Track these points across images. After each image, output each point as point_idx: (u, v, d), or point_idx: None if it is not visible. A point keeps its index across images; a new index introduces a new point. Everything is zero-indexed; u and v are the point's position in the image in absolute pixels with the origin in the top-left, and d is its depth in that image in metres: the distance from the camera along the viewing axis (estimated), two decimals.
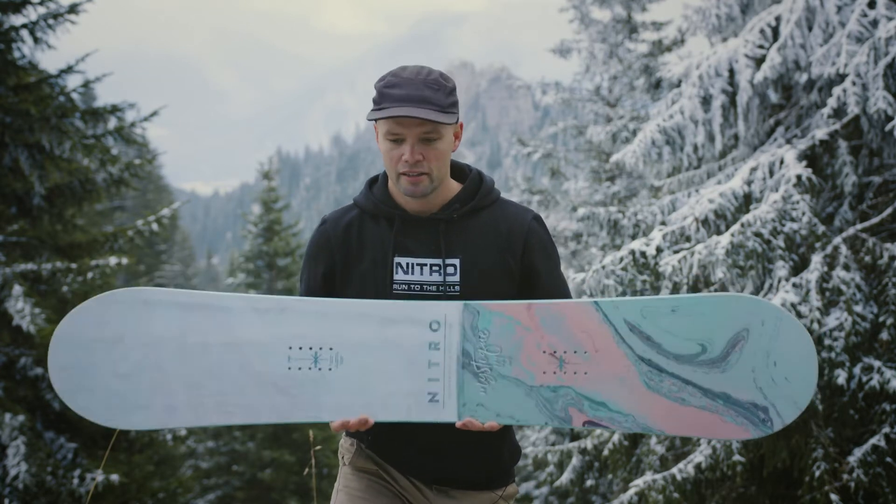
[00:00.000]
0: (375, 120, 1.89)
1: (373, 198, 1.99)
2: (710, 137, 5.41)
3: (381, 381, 1.83)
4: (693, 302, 1.83)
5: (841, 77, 4.80)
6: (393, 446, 1.99)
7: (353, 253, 1.97)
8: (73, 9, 7.46)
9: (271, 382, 1.83)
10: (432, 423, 1.84)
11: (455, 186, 2.00)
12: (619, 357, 1.82)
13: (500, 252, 1.94)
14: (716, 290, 4.80)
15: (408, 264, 1.93)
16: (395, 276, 1.92)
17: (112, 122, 8.18)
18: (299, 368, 1.84)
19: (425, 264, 1.92)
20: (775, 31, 5.20)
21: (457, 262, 1.92)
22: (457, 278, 1.92)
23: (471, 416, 1.82)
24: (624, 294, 4.83)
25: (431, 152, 1.87)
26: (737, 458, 4.46)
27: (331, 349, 1.84)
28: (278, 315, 1.85)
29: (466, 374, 1.83)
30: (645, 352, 1.81)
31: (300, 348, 1.84)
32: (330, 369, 1.84)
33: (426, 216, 1.95)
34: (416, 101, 1.82)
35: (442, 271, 1.92)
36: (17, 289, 6.60)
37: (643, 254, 4.83)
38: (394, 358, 1.84)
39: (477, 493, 2.01)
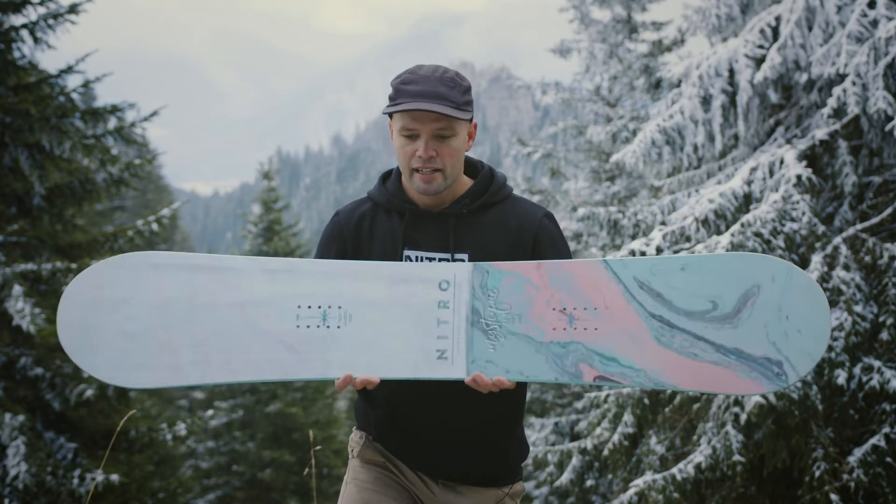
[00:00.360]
0: (390, 115, 1.92)
1: (385, 191, 2.02)
2: (710, 137, 5.41)
3: (389, 338, 1.85)
4: (702, 260, 1.84)
5: (841, 77, 4.80)
6: (400, 441, 2.01)
7: (363, 244, 2.00)
8: (73, 9, 7.46)
9: (279, 340, 1.84)
10: (440, 379, 1.84)
11: (466, 182, 2.02)
12: (630, 313, 1.82)
13: (510, 248, 1.95)
14: None
15: (417, 257, 1.95)
16: None
17: (112, 122, 8.18)
18: (307, 326, 1.85)
19: (434, 258, 1.94)
20: (775, 31, 5.20)
21: (465, 256, 1.94)
22: None
23: (479, 372, 1.82)
24: None
25: (445, 149, 1.89)
26: (737, 458, 4.46)
27: (339, 307, 1.85)
28: (287, 275, 1.87)
29: (475, 331, 1.84)
30: (655, 308, 1.82)
31: (309, 307, 1.86)
32: (339, 327, 1.85)
33: (437, 211, 1.97)
34: (432, 96, 1.85)
35: None
36: (17, 289, 6.60)
37: (643, 254, 4.82)
38: (402, 316, 1.85)
39: (483, 489, 2.02)
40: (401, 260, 1.94)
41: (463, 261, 1.93)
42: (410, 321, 1.85)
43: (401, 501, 2.00)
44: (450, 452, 1.98)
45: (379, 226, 1.99)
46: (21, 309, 6.50)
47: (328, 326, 1.85)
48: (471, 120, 1.95)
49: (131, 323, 1.83)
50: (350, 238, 2.01)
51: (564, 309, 1.84)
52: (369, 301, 1.85)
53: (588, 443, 6.63)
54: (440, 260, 1.94)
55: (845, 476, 4.22)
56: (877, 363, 4.32)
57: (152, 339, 1.83)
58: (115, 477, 6.95)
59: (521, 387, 2.00)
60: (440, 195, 1.95)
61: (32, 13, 7.48)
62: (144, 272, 1.85)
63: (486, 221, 1.97)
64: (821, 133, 4.83)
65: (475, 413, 1.94)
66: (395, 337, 1.84)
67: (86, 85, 7.90)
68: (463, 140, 1.92)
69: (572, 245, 11.59)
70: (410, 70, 1.92)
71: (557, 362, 1.83)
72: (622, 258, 1.86)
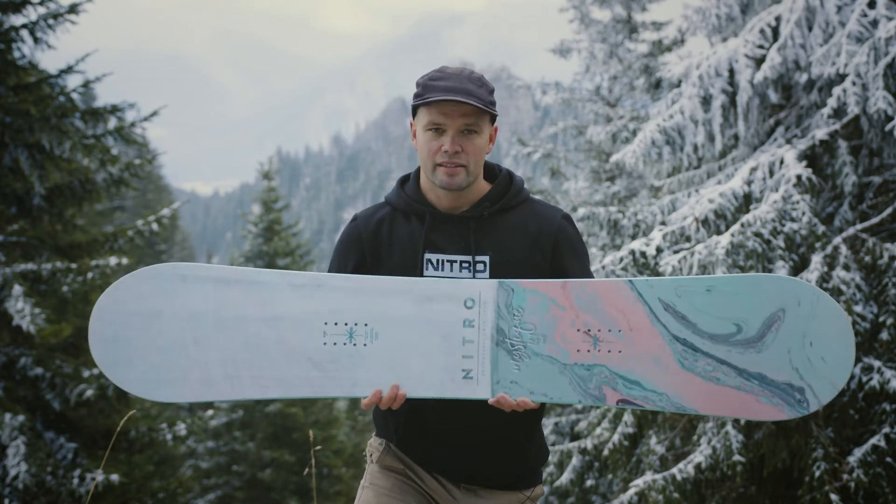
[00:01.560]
0: (414, 112, 1.95)
1: (404, 195, 2.03)
2: (710, 137, 5.40)
3: (415, 357, 1.85)
4: (728, 282, 1.83)
5: (841, 77, 4.80)
6: (421, 445, 2.01)
7: (383, 249, 2.00)
8: (73, 9, 7.46)
9: (306, 357, 1.85)
10: (465, 399, 1.85)
11: (485, 185, 2.04)
12: (654, 336, 1.82)
13: (530, 250, 1.97)
14: None
15: (438, 261, 1.95)
16: (426, 272, 1.95)
17: (112, 122, 8.18)
18: (334, 343, 1.86)
19: (455, 261, 1.95)
20: (775, 31, 5.20)
21: (486, 259, 1.95)
22: (486, 276, 1.94)
23: (504, 392, 1.82)
24: None
25: (470, 146, 1.90)
26: (737, 458, 4.46)
27: (366, 325, 1.86)
28: (314, 290, 1.87)
29: (500, 351, 1.84)
30: (680, 331, 1.82)
31: (335, 324, 1.86)
32: (365, 345, 1.86)
33: (457, 214, 1.98)
34: (462, 92, 1.87)
35: (472, 268, 1.94)
36: (17, 289, 6.60)
37: (643, 254, 4.82)
38: (428, 334, 1.85)
39: (505, 493, 2.02)
40: (421, 263, 1.95)
41: (484, 263, 1.94)
42: (436, 340, 1.85)
43: None
44: (472, 455, 1.98)
45: (398, 230, 2.00)
46: (21, 309, 6.50)
47: (354, 344, 1.86)
48: (494, 122, 1.98)
49: (162, 337, 1.84)
50: (368, 243, 2.01)
51: (589, 330, 1.84)
52: (395, 318, 1.86)
53: (588, 443, 6.64)
54: (461, 262, 1.95)
55: (845, 476, 4.21)
56: (877, 363, 4.31)
57: (183, 353, 1.84)
58: (115, 477, 6.96)
59: None
60: (459, 197, 1.97)
61: (32, 13, 7.49)
62: (173, 284, 1.86)
63: (506, 224, 1.98)
64: (821, 133, 4.83)
65: (496, 415, 1.94)
66: (421, 356, 1.85)
67: (86, 85, 7.91)
68: (486, 140, 1.95)
69: None
70: (438, 69, 1.95)
71: (581, 385, 1.83)
72: (648, 279, 1.86)
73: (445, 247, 1.96)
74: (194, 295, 1.85)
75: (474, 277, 1.93)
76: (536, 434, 2.06)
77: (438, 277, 1.94)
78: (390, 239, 2.00)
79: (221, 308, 1.85)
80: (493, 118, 1.96)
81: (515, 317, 1.85)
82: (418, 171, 2.06)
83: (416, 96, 1.93)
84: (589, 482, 7.35)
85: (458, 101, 1.85)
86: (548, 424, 9.76)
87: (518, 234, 1.97)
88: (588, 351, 1.83)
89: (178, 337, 1.84)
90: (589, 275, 2.04)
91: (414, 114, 1.97)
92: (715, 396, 1.80)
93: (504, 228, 1.98)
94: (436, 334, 1.85)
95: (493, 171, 2.07)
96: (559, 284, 1.86)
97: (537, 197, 2.13)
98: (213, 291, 1.86)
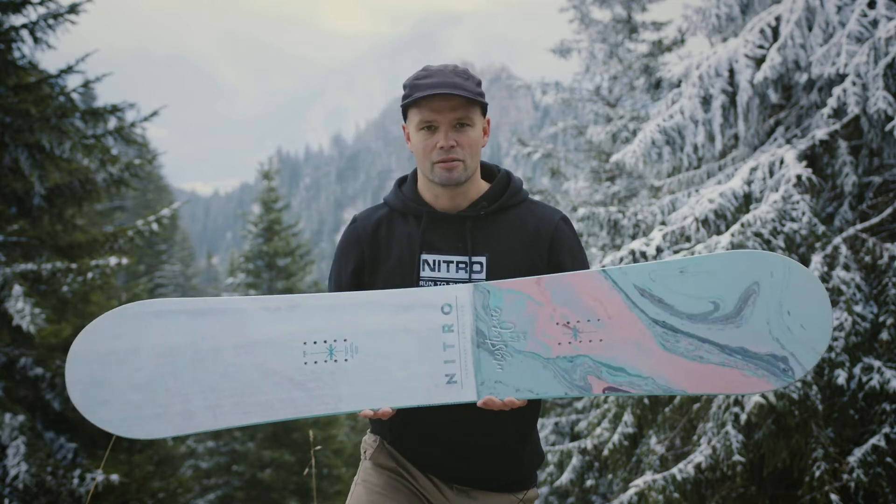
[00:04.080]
0: (405, 116, 1.94)
1: (402, 196, 2.02)
2: (710, 137, 5.40)
3: (397, 367, 1.85)
4: (700, 262, 1.84)
5: (841, 77, 4.80)
6: (415, 445, 2.00)
7: (381, 249, 1.99)
8: (73, 9, 7.47)
9: (287, 378, 1.85)
10: (452, 403, 1.85)
11: (484, 185, 2.02)
12: (633, 321, 1.82)
13: (527, 251, 1.96)
14: None
15: (434, 261, 1.94)
16: (422, 273, 1.94)
17: (112, 122, 8.18)
18: (315, 362, 1.86)
19: (452, 262, 1.94)
20: (775, 31, 5.20)
21: (483, 259, 1.94)
22: (483, 276, 1.93)
23: (490, 393, 1.82)
24: None
25: (464, 139, 1.89)
26: (737, 458, 4.46)
27: (345, 340, 1.87)
28: (290, 312, 1.88)
29: (482, 352, 1.85)
30: (658, 314, 1.82)
31: (314, 342, 1.87)
32: (346, 360, 1.86)
33: (454, 214, 1.96)
34: (448, 85, 1.86)
35: (468, 269, 1.93)
36: (17, 289, 6.60)
37: (643, 254, 4.82)
38: (408, 343, 1.86)
39: (497, 494, 2.01)
40: (418, 264, 1.94)
41: (481, 264, 1.93)
42: (417, 348, 1.86)
43: None
44: (466, 456, 1.97)
45: (396, 231, 1.99)
46: (21, 309, 6.50)
47: (335, 360, 1.86)
48: (485, 114, 1.96)
49: (140, 374, 1.85)
50: (367, 244, 2.00)
51: (568, 322, 1.84)
52: (374, 331, 1.86)
53: (588, 443, 6.64)
54: (458, 263, 1.94)
55: (845, 476, 4.21)
56: (877, 363, 4.31)
57: (162, 387, 1.85)
58: (115, 477, 6.95)
59: None
60: (457, 196, 1.95)
61: (32, 13, 7.50)
62: (148, 321, 1.86)
63: (504, 224, 1.97)
64: (821, 133, 4.83)
65: (491, 418, 1.94)
66: (403, 365, 1.86)
67: (86, 85, 7.91)
68: (479, 132, 1.93)
69: None
70: (423, 68, 1.94)
71: (566, 377, 1.83)
72: (621, 266, 1.86)
73: (442, 247, 1.95)
74: (169, 329, 1.86)
75: (470, 278, 1.92)
76: (532, 437, 2.05)
77: (434, 279, 1.94)
78: (388, 240, 1.99)
79: (198, 340, 1.86)
80: (483, 110, 1.95)
81: (494, 317, 1.85)
82: (416, 172, 2.05)
83: (405, 98, 1.91)
84: (589, 482, 7.35)
85: (446, 93, 1.84)
86: (548, 424, 9.76)
87: (515, 235, 1.96)
88: (569, 343, 1.83)
89: (156, 372, 1.84)
90: None
91: (406, 116, 1.96)
92: (700, 375, 1.81)
93: (501, 229, 1.96)
94: (416, 342, 1.86)
95: (491, 172, 2.06)
96: (534, 281, 1.86)
97: (536, 198, 2.12)
98: (189, 324, 1.86)
